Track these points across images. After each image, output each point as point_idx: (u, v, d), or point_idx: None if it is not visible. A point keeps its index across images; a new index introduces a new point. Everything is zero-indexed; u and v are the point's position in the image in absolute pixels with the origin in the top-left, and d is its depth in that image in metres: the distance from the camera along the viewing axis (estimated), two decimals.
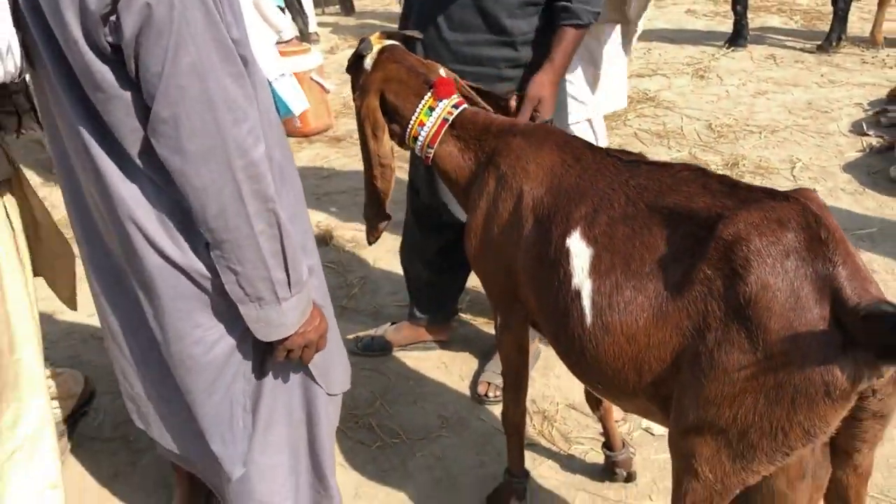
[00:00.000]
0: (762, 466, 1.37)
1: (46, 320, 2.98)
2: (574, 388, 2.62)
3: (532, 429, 2.49)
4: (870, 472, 1.47)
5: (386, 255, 3.54)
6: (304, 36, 7.54)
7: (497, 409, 2.48)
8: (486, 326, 3.05)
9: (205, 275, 1.49)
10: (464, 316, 3.13)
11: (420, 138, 1.96)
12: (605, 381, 1.57)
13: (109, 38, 1.24)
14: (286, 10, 6.52)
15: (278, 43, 4.15)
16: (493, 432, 2.50)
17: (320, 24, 8.41)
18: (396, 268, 3.28)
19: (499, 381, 2.55)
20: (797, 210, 1.31)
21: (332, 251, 3.67)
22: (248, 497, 1.78)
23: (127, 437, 2.56)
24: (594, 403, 2.17)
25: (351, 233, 3.83)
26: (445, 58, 2.31)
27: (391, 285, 3.39)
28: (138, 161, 1.36)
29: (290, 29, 4.80)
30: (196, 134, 1.26)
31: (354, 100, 2.07)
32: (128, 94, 1.29)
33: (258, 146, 1.35)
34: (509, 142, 1.84)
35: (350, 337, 2.92)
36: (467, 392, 2.72)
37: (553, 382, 2.74)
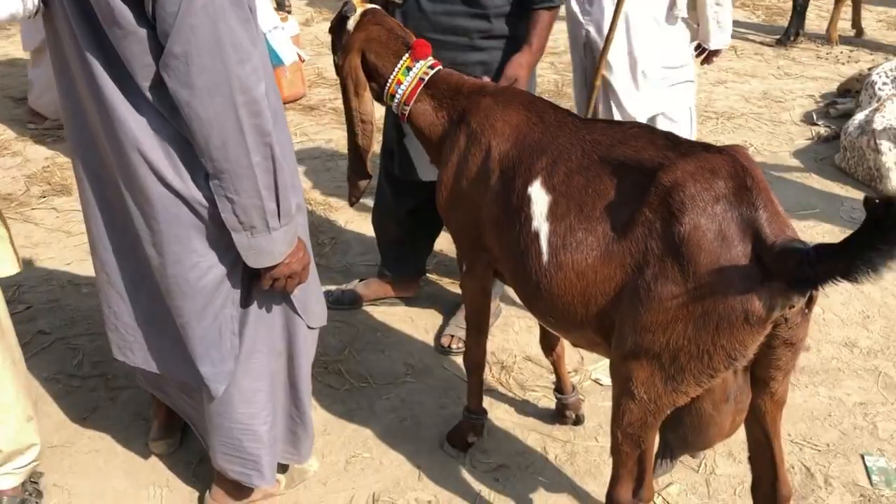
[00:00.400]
0: (690, 388, 1.56)
1: (27, 265, 3.09)
2: (531, 343, 2.80)
3: (491, 377, 2.67)
4: (784, 401, 1.68)
5: (356, 217, 3.69)
6: (280, 5, 7.61)
7: (459, 360, 2.66)
8: (452, 286, 3.22)
9: (203, 204, 1.63)
10: (431, 276, 3.29)
11: (397, 96, 2.11)
12: (556, 315, 1.75)
13: None
14: None
15: None
16: (455, 380, 2.68)
17: None
18: (367, 230, 3.44)
19: (461, 333, 2.72)
20: (728, 161, 1.50)
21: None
22: (228, 418, 1.94)
23: (106, 375, 2.68)
24: (548, 350, 2.36)
25: (322, 196, 3.96)
26: (423, 27, 2.46)
27: (361, 246, 3.54)
28: (148, 94, 1.50)
29: None
30: (204, 70, 1.41)
31: (336, 60, 2.22)
32: (143, 31, 1.43)
33: (259, 85, 1.50)
34: (480, 101, 2.00)
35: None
36: (431, 343, 2.90)
37: (512, 337, 2.92)
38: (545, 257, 1.69)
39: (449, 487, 2.26)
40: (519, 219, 1.77)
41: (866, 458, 2.34)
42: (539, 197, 1.73)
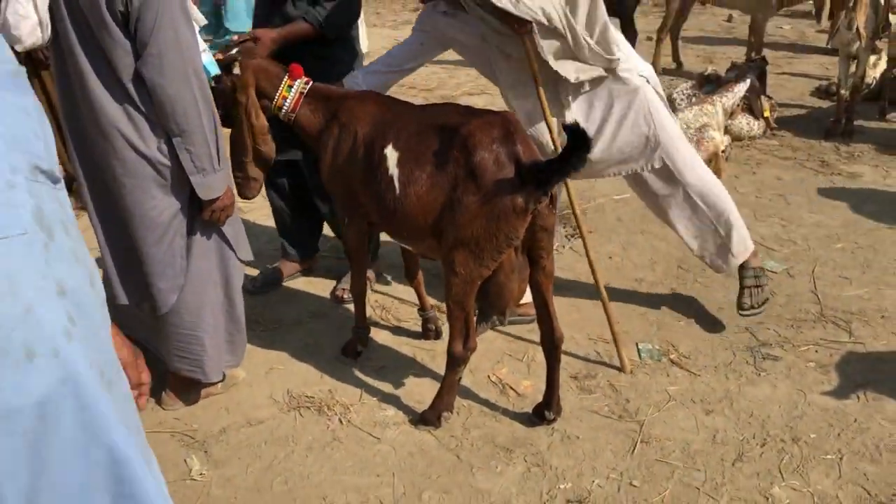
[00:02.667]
0: (490, 263, 2.47)
1: None
2: (406, 293, 3.68)
3: (375, 315, 3.53)
4: (552, 274, 2.62)
5: (258, 212, 4.50)
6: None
7: (350, 307, 3.49)
8: (342, 263, 4.07)
9: (162, 163, 2.43)
10: (325, 255, 4.13)
11: (284, 107, 2.94)
12: (408, 231, 2.63)
13: (121, 8, 2.20)
14: None
15: None
16: (346, 321, 3.51)
17: None
18: (268, 223, 4.25)
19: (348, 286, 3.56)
20: (501, 119, 2.44)
21: None
22: (177, 325, 2.70)
23: None
24: (411, 278, 3.24)
25: None
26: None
27: (266, 235, 4.36)
28: (128, 85, 2.31)
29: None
30: (172, 62, 2.25)
31: (237, 96, 2.88)
32: (127, 43, 2.25)
33: (201, 65, 2.34)
34: (345, 102, 2.89)
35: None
36: (328, 297, 3.73)
37: (391, 292, 3.80)
38: (398, 191, 2.58)
39: (343, 381, 3.08)
40: (380, 171, 2.66)
41: (639, 344, 3.31)
42: (391, 153, 2.63)
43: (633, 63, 3.14)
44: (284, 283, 3.87)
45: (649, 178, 3.24)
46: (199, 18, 4.99)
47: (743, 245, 3.31)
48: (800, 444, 2.68)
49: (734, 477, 2.53)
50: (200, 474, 2.56)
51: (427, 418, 2.75)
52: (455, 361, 2.62)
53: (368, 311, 3.56)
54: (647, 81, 3.15)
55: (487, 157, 2.39)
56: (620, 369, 3.11)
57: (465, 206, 2.41)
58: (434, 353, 3.25)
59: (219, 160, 2.48)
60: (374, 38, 9.26)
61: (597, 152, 3.09)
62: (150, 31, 2.22)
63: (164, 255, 2.57)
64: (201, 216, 2.58)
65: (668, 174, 3.21)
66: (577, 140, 2.16)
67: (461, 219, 2.42)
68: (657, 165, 3.18)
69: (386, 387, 3.04)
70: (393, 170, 2.61)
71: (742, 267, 3.34)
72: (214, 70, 2.76)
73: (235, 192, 2.68)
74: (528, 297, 2.78)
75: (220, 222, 2.63)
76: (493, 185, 2.37)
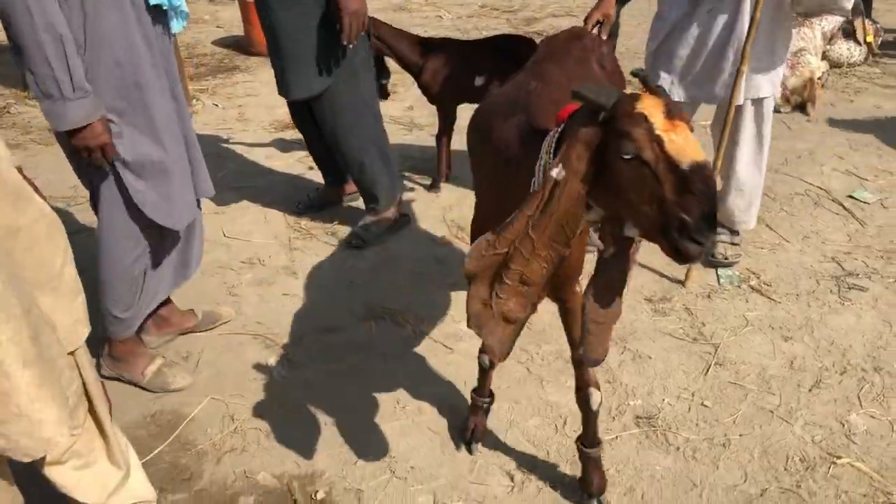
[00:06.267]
0: None
1: None
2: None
3: (448, 234, 3.55)
4: None
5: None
6: None
7: (422, 227, 3.52)
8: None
9: None
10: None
11: None
12: None
13: None
14: None
15: None
16: (419, 238, 3.56)
17: None
18: None
19: (361, 232, 3.51)
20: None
21: None
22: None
23: None
24: None
25: None
26: None
27: None
28: None
29: None
30: None
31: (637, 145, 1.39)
32: None
33: None
34: None
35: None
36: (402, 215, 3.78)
37: (467, 216, 3.81)
38: None
39: (418, 296, 3.14)
40: None
41: (719, 270, 3.24)
42: None
43: None
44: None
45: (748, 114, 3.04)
46: None
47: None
48: (881, 373, 2.60)
49: (810, 402, 2.49)
50: (281, 375, 2.67)
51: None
52: None
53: (443, 231, 3.60)
54: None
55: None
56: (695, 295, 3.06)
57: None
58: None
59: (73, 86, 2.08)
60: None
61: None
62: None
63: None
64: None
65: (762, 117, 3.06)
66: None
67: None
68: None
69: (459, 302, 3.08)
70: None
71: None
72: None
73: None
74: None
75: (97, 164, 2.25)
76: None
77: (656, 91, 1.40)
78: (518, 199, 1.50)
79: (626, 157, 1.30)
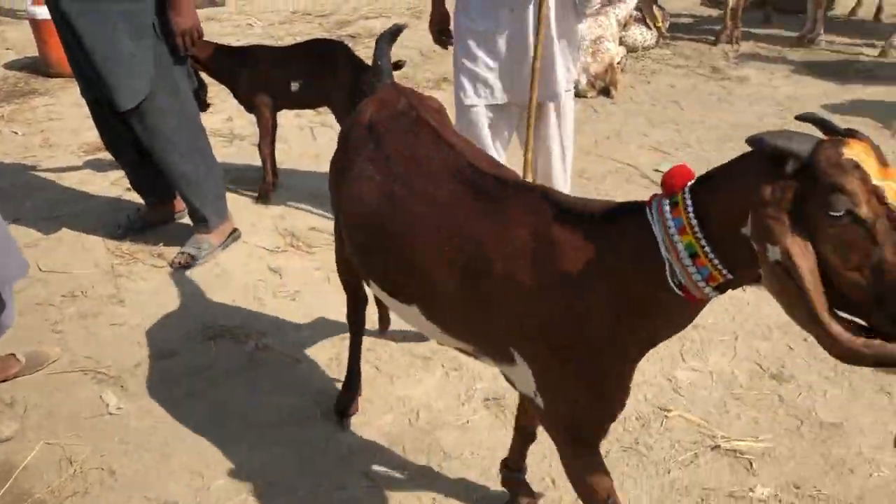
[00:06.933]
0: None
1: None
2: (310, 219, 3.65)
3: (283, 243, 3.50)
4: None
5: None
6: None
7: (255, 236, 3.45)
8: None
9: None
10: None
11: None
12: None
13: None
14: None
15: None
16: (247, 247, 3.49)
17: None
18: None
19: (192, 251, 3.39)
20: (398, 91, 2.30)
21: None
22: None
23: None
24: None
25: None
26: None
27: None
28: None
29: None
30: None
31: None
32: None
33: None
34: None
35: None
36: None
37: (302, 222, 3.77)
38: None
39: (256, 310, 3.08)
40: None
41: None
42: None
43: None
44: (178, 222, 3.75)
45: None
46: None
47: None
48: (698, 329, 2.84)
49: (641, 363, 2.67)
50: (118, 408, 2.53)
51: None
52: None
53: (277, 241, 3.55)
54: None
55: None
56: None
57: None
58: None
59: None
60: None
61: None
62: None
63: None
64: None
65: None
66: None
67: None
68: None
69: (300, 312, 3.05)
70: None
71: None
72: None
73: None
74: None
75: None
76: None
77: (850, 134, 1.14)
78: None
79: (835, 214, 1.07)
